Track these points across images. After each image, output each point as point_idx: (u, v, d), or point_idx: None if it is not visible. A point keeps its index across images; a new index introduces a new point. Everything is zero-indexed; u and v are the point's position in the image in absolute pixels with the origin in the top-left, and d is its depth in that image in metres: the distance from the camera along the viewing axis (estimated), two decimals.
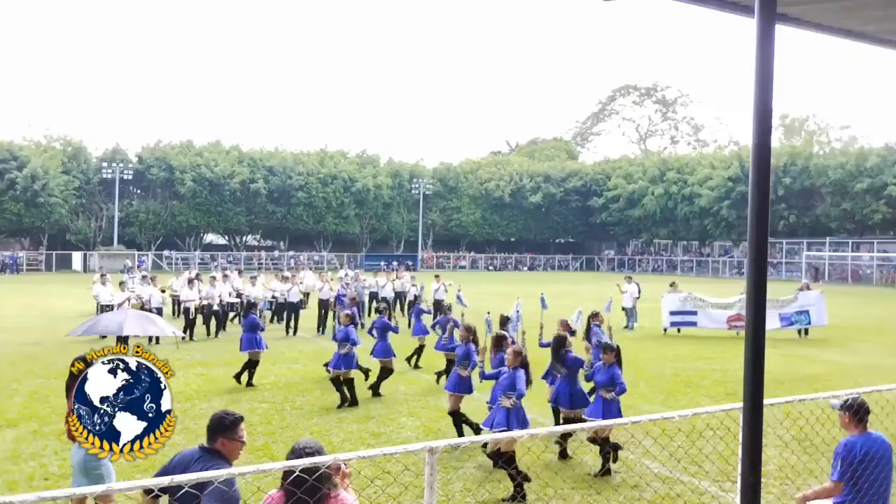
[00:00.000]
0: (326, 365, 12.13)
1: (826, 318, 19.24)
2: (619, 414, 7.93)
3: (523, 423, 7.22)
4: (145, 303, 18.35)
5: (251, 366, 12.26)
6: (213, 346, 16.92)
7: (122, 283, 19.07)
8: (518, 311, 11.24)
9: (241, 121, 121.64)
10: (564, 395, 8.54)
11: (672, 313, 19.88)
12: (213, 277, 20.94)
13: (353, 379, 10.96)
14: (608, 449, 7.70)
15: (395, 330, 12.61)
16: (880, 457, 4.59)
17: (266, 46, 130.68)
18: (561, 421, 8.83)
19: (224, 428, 3.87)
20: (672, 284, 21.43)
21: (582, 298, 28.98)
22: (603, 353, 8.20)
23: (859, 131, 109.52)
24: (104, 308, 18.45)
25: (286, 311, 19.64)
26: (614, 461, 7.85)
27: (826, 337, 19.26)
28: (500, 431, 7.05)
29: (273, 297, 20.44)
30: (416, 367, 14.01)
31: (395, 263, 40.78)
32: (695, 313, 19.63)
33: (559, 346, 8.67)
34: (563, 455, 8.23)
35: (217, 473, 3.16)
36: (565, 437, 8.23)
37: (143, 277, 20.23)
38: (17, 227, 50.91)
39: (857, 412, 4.67)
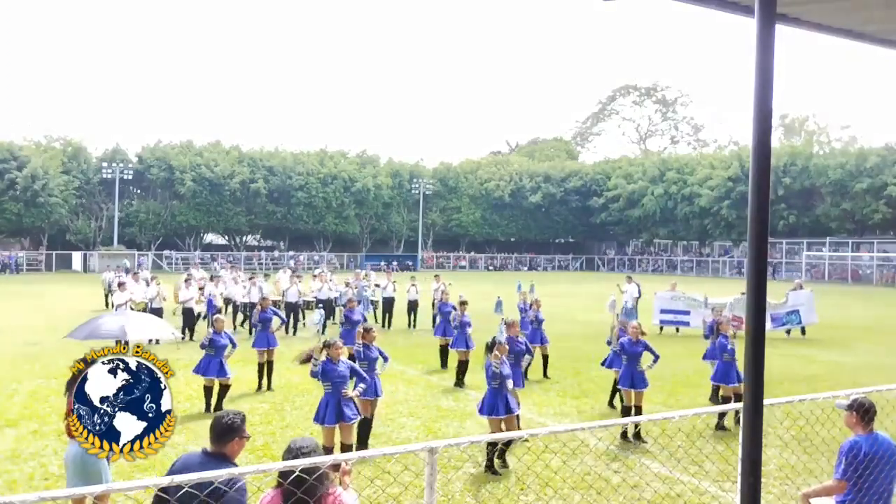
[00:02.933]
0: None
1: (815, 316, 19.22)
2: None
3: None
4: (148, 302, 18.39)
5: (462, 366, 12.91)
6: None
7: (121, 285, 19.05)
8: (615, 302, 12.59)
9: (241, 121, 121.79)
10: (724, 372, 10.21)
11: (663, 311, 19.95)
12: (218, 277, 20.96)
13: (229, 386, 10.77)
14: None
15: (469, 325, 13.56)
16: (883, 457, 4.59)
17: (266, 46, 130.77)
18: (720, 398, 10.41)
19: (237, 428, 3.88)
20: (673, 285, 21.45)
21: (583, 298, 28.99)
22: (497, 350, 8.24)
23: (859, 131, 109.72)
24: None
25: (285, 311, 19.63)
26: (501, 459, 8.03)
27: (826, 337, 19.26)
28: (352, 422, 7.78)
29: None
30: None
31: (387, 263, 40.39)
32: (687, 313, 19.64)
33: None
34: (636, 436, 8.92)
35: (217, 473, 3.15)
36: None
37: (153, 278, 20.31)
38: (17, 227, 50.87)
39: (864, 413, 4.67)
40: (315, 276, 22.44)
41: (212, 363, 10.55)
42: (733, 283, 38.09)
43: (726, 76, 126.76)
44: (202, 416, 10.15)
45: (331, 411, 7.57)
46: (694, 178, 60.07)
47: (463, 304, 13.85)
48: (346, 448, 7.62)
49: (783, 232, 54.58)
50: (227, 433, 3.86)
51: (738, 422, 9.59)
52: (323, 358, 7.81)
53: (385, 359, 8.93)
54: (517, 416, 8.24)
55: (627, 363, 9.72)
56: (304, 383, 12.43)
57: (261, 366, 12.17)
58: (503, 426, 7.98)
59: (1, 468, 7.71)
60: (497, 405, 7.90)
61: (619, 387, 10.09)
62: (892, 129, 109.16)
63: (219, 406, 10.44)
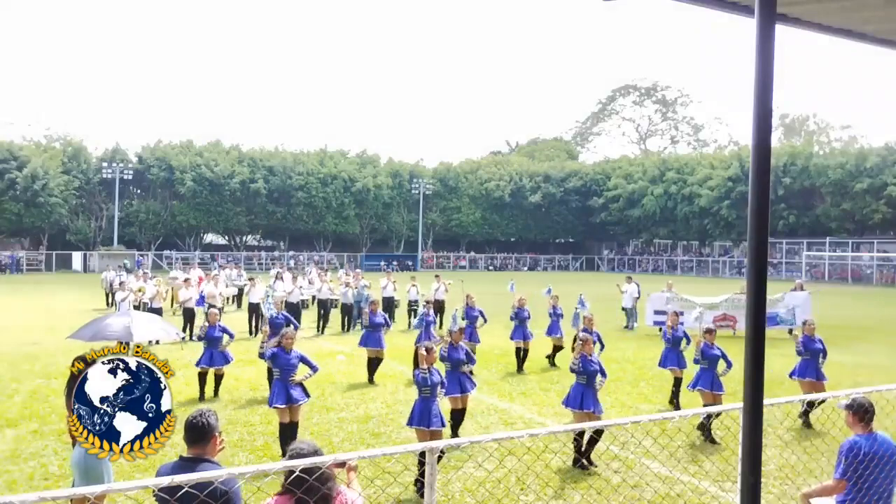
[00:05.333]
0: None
1: (811, 318, 19.27)
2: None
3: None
4: (149, 300, 18.40)
5: (375, 363, 12.91)
6: None
7: (121, 284, 19.08)
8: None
9: (241, 121, 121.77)
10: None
11: (656, 312, 19.91)
12: (210, 275, 20.95)
13: (221, 375, 11.67)
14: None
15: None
16: (883, 457, 4.59)
17: (266, 46, 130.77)
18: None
19: (213, 426, 3.83)
20: (669, 286, 21.46)
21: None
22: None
23: (859, 131, 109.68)
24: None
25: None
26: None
27: (826, 337, 19.18)
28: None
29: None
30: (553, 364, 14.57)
31: (387, 263, 40.18)
32: (682, 314, 19.63)
33: None
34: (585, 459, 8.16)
35: (217, 473, 3.15)
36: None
37: (153, 277, 20.37)
38: (17, 227, 50.85)
39: (860, 412, 4.67)
40: (300, 275, 22.48)
41: (206, 354, 11.46)
42: (733, 283, 38.06)
43: (726, 76, 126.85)
44: None
45: (280, 394, 8.48)
46: (694, 178, 60.05)
47: (428, 303, 14.73)
48: (293, 425, 8.49)
49: (783, 232, 54.57)
50: (205, 434, 3.79)
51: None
52: (274, 346, 8.74)
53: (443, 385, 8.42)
54: (468, 395, 9.43)
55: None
56: (305, 383, 12.42)
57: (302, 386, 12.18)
58: (459, 403, 9.24)
59: (1, 468, 7.71)
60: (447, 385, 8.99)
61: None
62: (893, 129, 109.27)
63: (215, 394, 11.37)
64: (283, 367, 8.54)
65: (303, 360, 8.80)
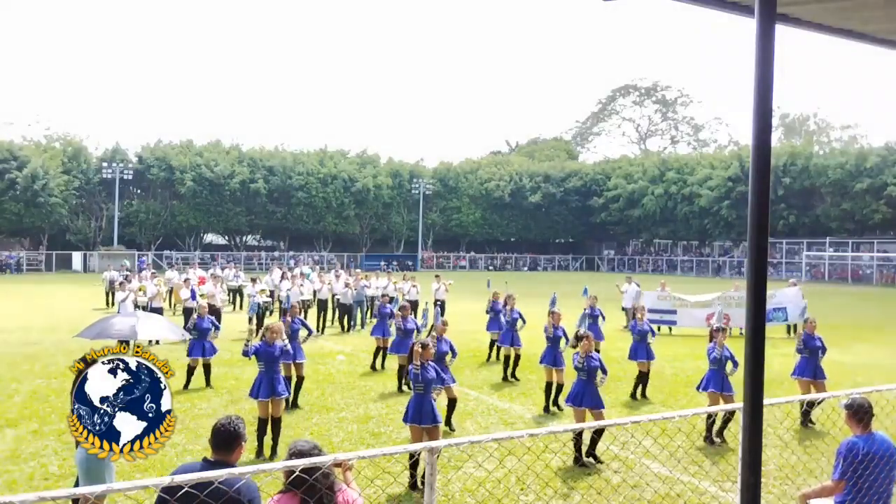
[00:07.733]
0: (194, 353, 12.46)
1: (802, 315, 19.31)
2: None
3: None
4: (148, 300, 18.40)
5: (378, 352, 13.84)
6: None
7: (121, 284, 19.07)
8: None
9: (241, 121, 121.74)
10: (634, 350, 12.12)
11: (650, 311, 19.92)
12: (215, 276, 20.94)
13: (209, 364, 12.24)
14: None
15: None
16: (883, 457, 4.58)
17: (266, 46, 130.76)
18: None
19: (242, 433, 3.73)
20: (662, 285, 21.58)
21: (581, 299, 28.96)
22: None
23: (859, 131, 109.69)
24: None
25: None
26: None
27: (826, 337, 19.20)
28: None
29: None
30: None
31: (387, 263, 39.81)
32: (674, 312, 19.82)
33: None
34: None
35: (217, 473, 3.15)
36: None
37: (152, 273, 20.40)
38: (17, 227, 50.81)
39: (859, 413, 4.67)
40: (297, 275, 22.46)
41: (196, 345, 11.99)
42: (733, 284, 38.01)
43: (726, 76, 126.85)
44: (203, 416, 10.17)
45: (264, 387, 8.55)
46: (694, 178, 60.06)
47: (403, 307, 13.39)
48: (275, 421, 8.57)
49: (783, 232, 54.56)
50: (234, 440, 3.70)
51: (710, 430, 9.36)
52: (257, 341, 8.85)
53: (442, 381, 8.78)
54: (451, 387, 9.54)
55: (552, 346, 11.27)
56: (305, 383, 12.42)
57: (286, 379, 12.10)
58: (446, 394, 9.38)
59: (1, 468, 7.71)
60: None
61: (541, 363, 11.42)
62: (893, 129, 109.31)
63: (206, 382, 11.96)
64: (268, 361, 8.64)
65: (283, 352, 9.07)
